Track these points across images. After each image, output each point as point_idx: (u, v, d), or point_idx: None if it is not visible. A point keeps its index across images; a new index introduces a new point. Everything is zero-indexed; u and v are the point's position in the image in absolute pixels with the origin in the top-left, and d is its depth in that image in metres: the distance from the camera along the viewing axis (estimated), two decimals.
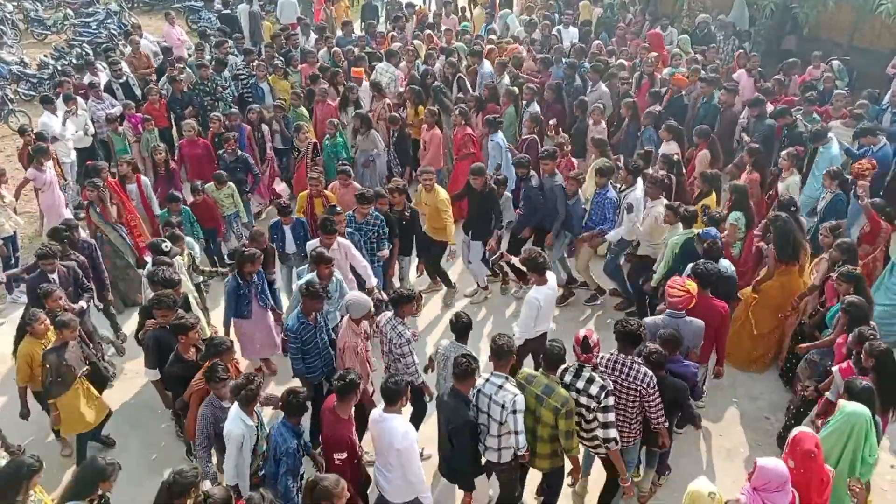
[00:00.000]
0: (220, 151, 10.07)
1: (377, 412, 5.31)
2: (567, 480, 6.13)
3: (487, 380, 5.40)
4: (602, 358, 5.73)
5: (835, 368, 5.95)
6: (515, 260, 8.12)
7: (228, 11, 16.82)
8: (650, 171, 8.75)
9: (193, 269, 8.09)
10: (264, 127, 10.96)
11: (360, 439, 6.00)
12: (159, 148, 10.03)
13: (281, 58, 13.12)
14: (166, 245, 7.54)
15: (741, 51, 12.95)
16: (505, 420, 5.24)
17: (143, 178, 9.66)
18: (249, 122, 10.85)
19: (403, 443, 5.11)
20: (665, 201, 8.01)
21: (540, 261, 6.73)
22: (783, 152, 8.93)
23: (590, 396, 5.38)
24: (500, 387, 5.30)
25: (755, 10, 14.33)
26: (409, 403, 5.44)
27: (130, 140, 11.01)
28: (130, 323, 8.73)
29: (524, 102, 11.05)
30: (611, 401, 5.41)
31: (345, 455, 5.31)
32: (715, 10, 15.09)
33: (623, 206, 8.41)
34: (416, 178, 9.87)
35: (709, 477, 6.40)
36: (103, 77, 12.60)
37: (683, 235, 7.51)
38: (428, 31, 14.64)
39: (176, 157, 10.68)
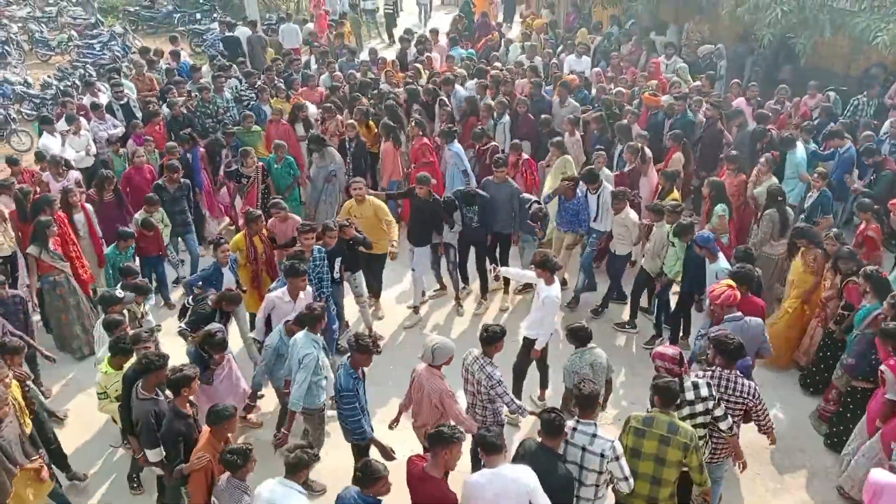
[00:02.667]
0: (159, 181, 9.73)
1: (478, 477, 4.81)
2: None
3: (575, 429, 5.08)
4: (705, 375, 5.73)
5: (883, 368, 5.96)
6: (507, 271, 8.22)
7: (231, 34, 17.00)
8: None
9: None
10: (223, 153, 11.06)
11: None
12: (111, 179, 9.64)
13: (281, 81, 13.22)
14: (119, 293, 7.03)
15: (736, 80, 13.11)
16: (605, 469, 4.98)
17: (87, 206, 9.31)
18: (207, 148, 10.86)
19: (531, 481, 4.69)
20: (633, 212, 8.72)
21: (554, 260, 7.01)
22: (762, 157, 9.56)
23: (704, 400, 5.43)
24: (594, 435, 5.01)
25: (753, 39, 14.48)
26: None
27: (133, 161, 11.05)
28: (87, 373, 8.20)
29: (495, 114, 11.43)
30: (716, 392, 5.54)
31: None
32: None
33: (600, 204, 8.96)
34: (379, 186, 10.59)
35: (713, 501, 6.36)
36: (104, 98, 12.68)
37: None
38: (429, 55, 14.80)
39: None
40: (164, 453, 5.64)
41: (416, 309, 9.47)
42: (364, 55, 15.73)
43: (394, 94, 12.17)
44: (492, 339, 5.90)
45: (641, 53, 15.20)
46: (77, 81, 15.74)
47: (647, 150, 10.05)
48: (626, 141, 10.32)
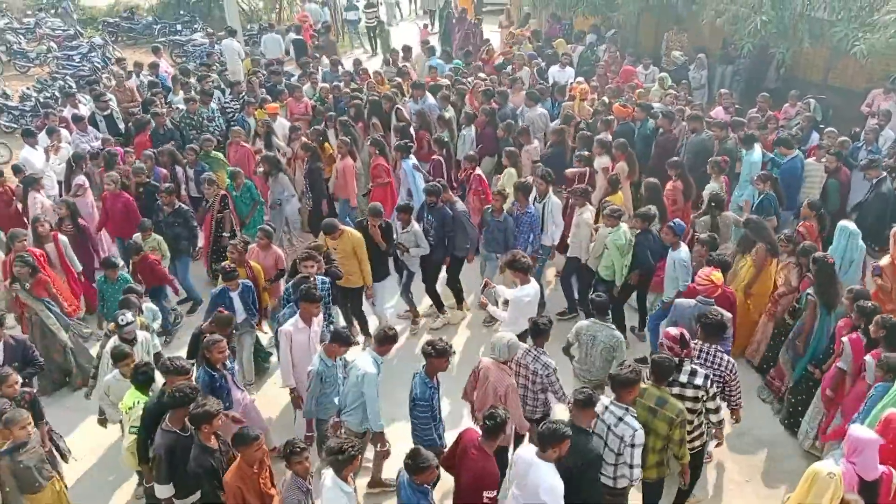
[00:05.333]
0: (157, 202, 9.48)
1: (528, 451, 5.14)
2: (679, 482, 6.16)
3: (607, 408, 5.42)
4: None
5: (844, 339, 6.42)
6: (499, 288, 7.91)
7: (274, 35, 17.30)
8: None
9: (154, 357, 7.09)
10: (178, 169, 10.62)
11: None
12: (63, 206, 9.29)
13: (263, 91, 13.14)
14: (123, 318, 6.72)
15: (722, 90, 13.28)
16: (622, 452, 5.30)
17: (60, 236, 8.90)
18: (163, 164, 10.51)
19: (549, 496, 4.91)
20: (591, 208, 8.83)
21: (524, 261, 7.25)
22: (709, 160, 9.72)
23: (696, 387, 5.72)
24: (621, 419, 5.32)
25: (733, 48, 14.67)
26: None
27: None
28: (54, 409, 7.80)
29: (462, 126, 11.47)
30: (715, 387, 5.86)
31: (494, 493, 5.16)
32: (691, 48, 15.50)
33: (545, 214, 8.96)
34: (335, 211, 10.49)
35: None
36: (84, 110, 12.56)
37: (628, 233, 8.27)
38: (406, 64, 14.89)
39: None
40: (173, 491, 5.58)
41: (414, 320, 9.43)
42: (348, 66, 15.71)
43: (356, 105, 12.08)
44: (542, 331, 6.24)
45: (622, 62, 15.31)
46: (57, 93, 15.59)
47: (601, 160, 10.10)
48: (587, 151, 10.33)
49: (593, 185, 9.87)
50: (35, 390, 6.83)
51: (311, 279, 7.31)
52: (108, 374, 6.63)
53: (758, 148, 10.09)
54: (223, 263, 7.88)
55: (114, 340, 6.78)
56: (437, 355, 5.82)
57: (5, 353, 6.75)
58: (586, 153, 10.10)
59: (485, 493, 5.11)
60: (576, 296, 9.42)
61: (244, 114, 12.32)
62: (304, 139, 10.92)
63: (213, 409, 5.40)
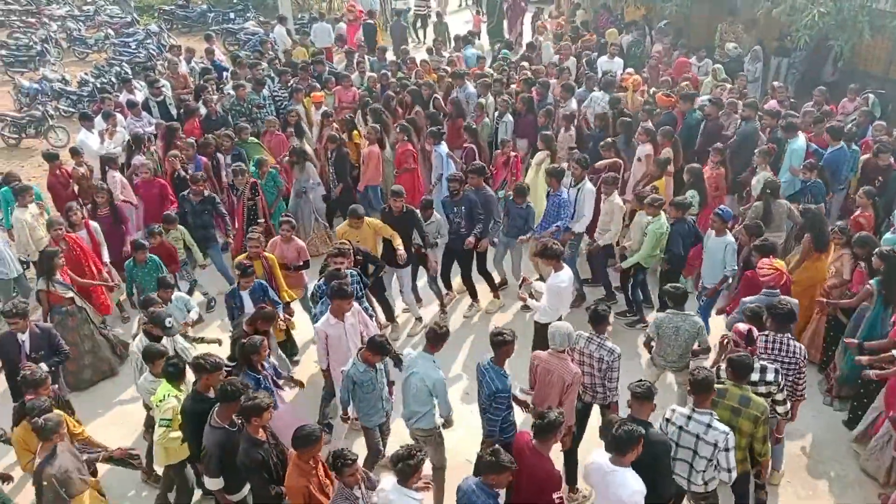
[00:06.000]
0: (184, 192, 9.45)
1: (603, 459, 4.91)
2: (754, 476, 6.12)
3: (690, 417, 5.28)
4: (759, 340, 6.08)
5: None
6: (535, 284, 7.92)
7: (370, 21, 17.88)
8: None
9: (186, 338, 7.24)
10: (219, 156, 10.70)
11: None
12: (102, 191, 9.31)
13: (314, 80, 13.27)
14: (169, 321, 6.65)
15: (775, 83, 12.96)
16: (714, 458, 5.21)
17: (91, 223, 8.90)
18: (206, 153, 10.63)
19: (632, 501, 4.74)
20: (619, 197, 8.90)
21: (555, 248, 7.21)
22: (757, 149, 9.74)
23: (767, 384, 5.77)
24: (709, 426, 5.20)
25: (789, 41, 14.27)
26: None
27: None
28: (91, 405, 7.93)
29: (496, 114, 11.56)
30: (784, 379, 5.93)
31: (560, 493, 5.04)
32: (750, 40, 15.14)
33: (578, 200, 8.95)
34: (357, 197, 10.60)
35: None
36: (139, 95, 12.88)
37: (664, 222, 8.27)
38: (458, 54, 14.91)
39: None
40: (223, 483, 5.63)
41: (419, 319, 9.28)
42: (390, 55, 15.76)
43: (395, 97, 12.26)
44: (602, 317, 6.20)
45: (672, 54, 15.05)
46: (113, 79, 16.02)
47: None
48: (628, 137, 10.44)
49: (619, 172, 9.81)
50: (57, 387, 6.74)
51: (343, 274, 7.27)
52: (142, 373, 6.56)
53: (801, 136, 9.97)
54: (241, 259, 7.83)
55: (142, 338, 6.70)
56: (511, 342, 5.78)
57: (31, 342, 6.75)
58: (610, 140, 10.06)
59: (553, 495, 4.99)
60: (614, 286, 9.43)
61: (293, 100, 12.46)
62: (332, 129, 11.04)
63: (264, 402, 5.36)
